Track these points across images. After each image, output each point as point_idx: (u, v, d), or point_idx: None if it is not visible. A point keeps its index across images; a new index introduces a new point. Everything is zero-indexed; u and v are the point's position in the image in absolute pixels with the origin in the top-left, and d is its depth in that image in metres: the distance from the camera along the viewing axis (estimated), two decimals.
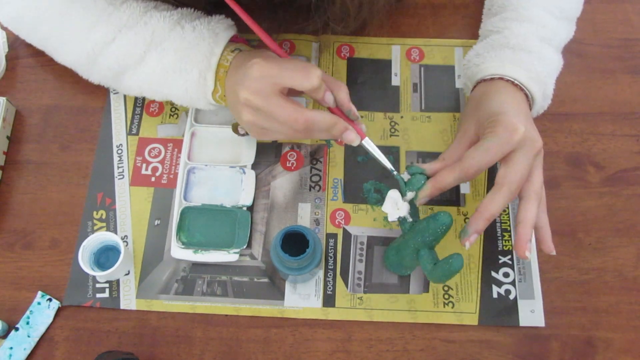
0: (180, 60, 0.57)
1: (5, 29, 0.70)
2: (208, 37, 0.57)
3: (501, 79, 0.57)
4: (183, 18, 0.58)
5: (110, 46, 0.58)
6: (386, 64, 0.70)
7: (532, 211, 0.51)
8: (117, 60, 0.58)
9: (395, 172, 0.55)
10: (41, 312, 0.58)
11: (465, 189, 0.64)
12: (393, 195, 0.54)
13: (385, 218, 0.62)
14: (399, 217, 0.54)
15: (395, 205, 0.54)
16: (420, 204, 0.54)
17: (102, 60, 0.59)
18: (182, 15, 0.58)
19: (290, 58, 0.54)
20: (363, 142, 0.55)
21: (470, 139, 0.55)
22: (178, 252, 0.61)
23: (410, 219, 0.54)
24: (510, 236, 0.62)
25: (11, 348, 0.57)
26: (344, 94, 0.54)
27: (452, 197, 0.63)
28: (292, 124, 0.51)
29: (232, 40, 0.59)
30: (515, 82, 0.57)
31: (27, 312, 0.58)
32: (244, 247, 0.61)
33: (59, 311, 0.59)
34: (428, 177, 0.54)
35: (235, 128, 0.66)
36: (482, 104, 0.56)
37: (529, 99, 0.57)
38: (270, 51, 0.56)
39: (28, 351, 0.57)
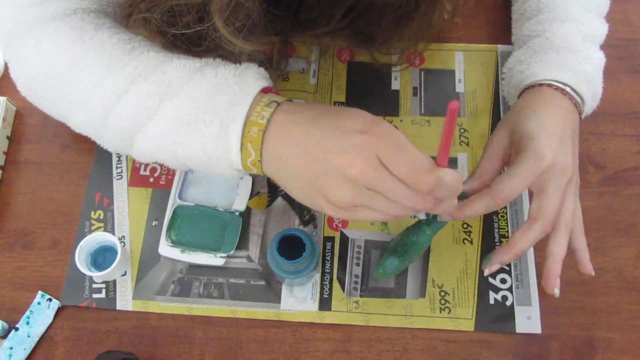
0: (197, 110, 0.45)
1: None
2: (233, 82, 0.46)
3: (549, 86, 0.54)
4: (207, 65, 0.48)
5: (121, 100, 0.48)
6: (386, 68, 0.70)
7: (561, 245, 0.51)
8: (128, 116, 0.48)
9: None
10: (41, 312, 0.58)
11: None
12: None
13: (383, 222, 0.62)
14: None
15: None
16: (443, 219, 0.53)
17: (112, 119, 0.49)
18: (206, 63, 0.48)
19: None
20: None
21: (503, 153, 0.53)
22: (166, 249, 0.61)
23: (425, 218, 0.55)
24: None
25: (11, 348, 0.57)
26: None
27: None
28: (415, 202, 0.41)
29: (264, 91, 0.47)
30: (563, 87, 0.54)
31: (27, 312, 0.58)
32: (232, 252, 0.61)
33: (59, 311, 0.59)
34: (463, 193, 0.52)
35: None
36: (521, 119, 0.52)
37: (577, 105, 0.55)
38: (318, 104, 0.47)
39: (28, 351, 0.57)
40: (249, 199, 0.63)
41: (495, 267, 0.51)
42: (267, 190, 0.63)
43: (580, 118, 0.56)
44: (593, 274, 0.53)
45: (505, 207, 0.63)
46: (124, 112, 0.48)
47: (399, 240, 0.55)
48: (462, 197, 0.53)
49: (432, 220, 0.54)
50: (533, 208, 0.50)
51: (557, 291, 0.51)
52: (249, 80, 0.46)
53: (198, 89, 0.46)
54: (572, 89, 0.55)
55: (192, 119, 0.46)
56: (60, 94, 0.52)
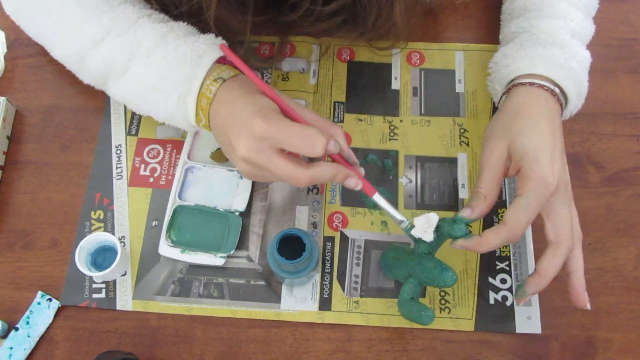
0: (161, 79, 0.55)
1: (5, 28, 0.71)
2: (190, 58, 0.55)
3: (540, 87, 0.54)
4: (171, 32, 0.56)
5: (98, 47, 0.57)
6: (386, 68, 0.70)
7: (580, 259, 0.52)
8: (103, 63, 0.57)
9: (406, 226, 0.54)
10: (41, 312, 0.58)
11: (464, 194, 0.63)
12: (432, 219, 0.53)
13: (384, 222, 0.62)
14: (419, 238, 0.53)
15: (424, 228, 0.53)
16: (455, 247, 0.52)
17: (89, 61, 0.58)
18: (171, 29, 0.57)
19: (297, 115, 0.52)
20: (374, 197, 0.53)
21: (503, 168, 0.52)
22: (165, 249, 0.61)
23: (427, 243, 0.54)
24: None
25: (11, 348, 0.57)
26: (342, 140, 0.52)
27: (450, 202, 0.63)
28: (294, 182, 0.50)
29: (219, 61, 0.56)
30: (553, 88, 0.54)
31: (27, 312, 0.58)
32: (232, 252, 0.61)
33: (59, 311, 0.59)
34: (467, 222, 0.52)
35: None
36: (519, 134, 0.52)
37: (560, 101, 0.54)
38: (259, 90, 0.52)
39: (28, 351, 0.57)
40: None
41: (529, 298, 0.53)
42: None
43: (561, 116, 0.55)
44: (588, 307, 0.52)
45: (505, 208, 0.63)
46: (99, 58, 0.57)
47: (419, 278, 0.54)
48: (440, 237, 0.53)
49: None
50: (550, 233, 0.51)
51: (589, 305, 0.52)
52: (203, 54, 0.55)
53: (161, 60, 0.55)
54: (556, 85, 0.54)
55: (157, 86, 0.55)
56: (45, 28, 0.61)
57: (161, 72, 0.55)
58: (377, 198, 0.53)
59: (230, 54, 0.53)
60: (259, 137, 0.48)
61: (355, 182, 0.52)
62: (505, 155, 0.52)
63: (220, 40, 0.57)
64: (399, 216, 0.54)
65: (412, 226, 0.53)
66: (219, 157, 0.65)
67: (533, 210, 0.49)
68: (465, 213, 0.52)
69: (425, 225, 0.52)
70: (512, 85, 0.56)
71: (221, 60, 0.56)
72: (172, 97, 0.55)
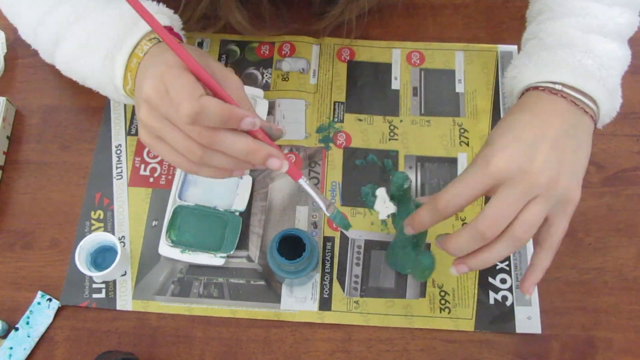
0: (94, 36, 0.51)
1: (5, 28, 0.71)
2: (129, 17, 0.50)
3: (536, 88, 0.49)
4: None
5: (45, 18, 0.55)
6: (386, 68, 0.70)
7: (495, 252, 0.45)
8: (49, 34, 0.55)
9: (333, 212, 0.50)
10: (41, 312, 0.58)
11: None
12: (380, 193, 0.52)
13: (384, 221, 0.62)
14: (389, 215, 0.53)
15: (384, 204, 0.52)
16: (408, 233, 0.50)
17: (41, 31, 0.56)
18: None
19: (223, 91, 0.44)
20: (300, 181, 0.48)
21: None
22: (166, 249, 0.61)
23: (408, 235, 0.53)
24: None
25: (11, 348, 0.57)
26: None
27: None
28: (185, 151, 0.43)
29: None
30: (552, 86, 0.48)
31: (27, 312, 0.58)
32: (232, 252, 0.61)
33: (59, 311, 0.59)
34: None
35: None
36: (497, 126, 0.48)
37: (579, 104, 0.48)
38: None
39: (28, 351, 0.57)
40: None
41: (532, 290, 0.48)
42: None
43: (595, 120, 0.50)
44: (527, 296, 0.48)
45: None
46: (46, 30, 0.55)
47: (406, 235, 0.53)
48: (403, 202, 0.53)
49: (415, 202, 0.53)
50: (541, 236, 0.46)
51: (527, 296, 0.48)
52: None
53: (101, 17, 0.52)
54: (566, 85, 0.48)
55: (90, 43, 0.52)
56: (9, 2, 0.60)
57: (96, 29, 0.52)
58: (303, 182, 0.48)
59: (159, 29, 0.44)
60: (160, 79, 0.42)
61: (279, 163, 0.44)
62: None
63: (167, 11, 0.54)
64: (323, 202, 0.49)
65: (338, 212, 0.50)
66: None
67: (464, 186, 0.44)
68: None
69: (382, 203, 0.52)
70: (521, 94, 0.52)
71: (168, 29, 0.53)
72: (99, 55, 0.51)
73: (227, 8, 0.55)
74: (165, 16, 0.53)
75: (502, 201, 0.44)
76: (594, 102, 0.49)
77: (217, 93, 0.44)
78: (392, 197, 0.52)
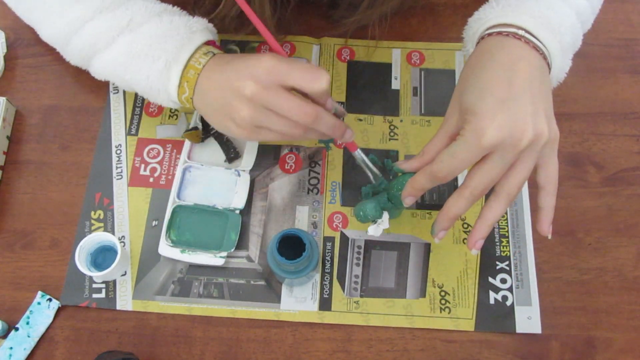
0: (149, 47, 0.55)
1: (5, 28, 0.71)
2: (184, 32, 0.55)
3: (499, 33, 0.50)
4: (165, 12, 0.57)
5: (85, 26, 0.57)
6: (386, 68, 0.70)
7: (494, 210, 0.48)
8: (89, 41, 0.58)
9: (379, 182, 0.57)
10: (41, 312, 0.58)
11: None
12: (385, 219, 0.55)
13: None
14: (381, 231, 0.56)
15: (378, 226, 0.55)
16: (408, 205, 0.53)
17: (76, 40, 0.58)
18: (165, 9, 0.58)
19: (294, 58, 0.53)
20: (355, 153, 0.55)
21: (452, 131, 0.50)
22: (166, 249, 0.61)
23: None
24: (508, 242, 0.62)
25: (11, 348, 0.57)
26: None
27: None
28: (300, 116, 0.48)
29: (208, 44, 0.57)
30: (515, 31, 0.49)
31: (27, 312, 0.58)
32: (232, 250, 0.61)
33: (59, 311, 0.59)
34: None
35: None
36: (466, 86, 0.49)
37: (541, 52, 0.49)
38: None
39: (28, 351, 0.57)
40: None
41: (442, 234, 0.51)
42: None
43: (550, 70, 0.51)
44: (549, 236, 0.50)
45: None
46: (85, 37, 0.58)
47: (387, 193, 0.55)
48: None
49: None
50: (541, 177, 0.49)
51: (474, 251, 0.50)
52: (197, 32, 0.56)
53: (154, 30, 0.56)
54: (528, 32, 0.49)
55: (144, 53, 0.55)
56: (33, 6, 0.61)
57: (151, 41, 0.55)
58: (358, 153, 0.56)
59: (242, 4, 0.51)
60: (267, 71, 0.48)
61: (350, 134, 0.53)
62: (454, 119, 0.49)
63: (211, 26, 0.59)
64: (375, 173, 0.57)
65: (384, 181, 0.57)
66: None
67: (459, 159, 0.46)
68: (399, 164, 0.54)
69: (377, 226, 0.56)
70: (480, 39, 0.53)
71: (212, 44, 0.57)
72: (158, 64, 0.54)
73: (260, 7, 0.58)
74: (211, 33, 0.58)
75: (495, 166, 0.46)
76: (549, 54, 0.51)
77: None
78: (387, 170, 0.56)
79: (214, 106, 0.53)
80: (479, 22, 0.54)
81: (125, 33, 0.56)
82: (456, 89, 0.51)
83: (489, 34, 0.51)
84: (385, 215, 0.55)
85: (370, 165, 0.56)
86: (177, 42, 0.54)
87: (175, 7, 0.59)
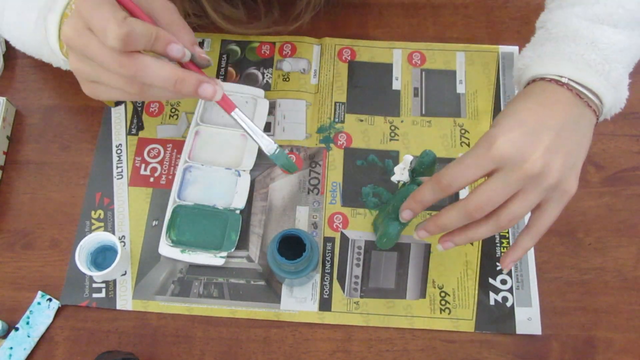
0: (26, 1, 0.51)
1: None
2: None
3: (543, 79, 0.49)
4: None
5: None
6: (387, 68, 0.70)
7: (479, 231, 0.47)
8: None
9: (274, 150, 0.48)
10: (41, 312, 0.58)
11: (464, 194, 0.63)
12: (407, 158, 0.54)
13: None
14: (399, 181, 0.54)
15: (401, 171, 0.54)
16: (405, 219, 0.51)
17: None
18: None
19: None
20: (233, 114, 0.46)
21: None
22: (166, 249, 0.61)
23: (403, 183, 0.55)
24: (508, 243, 0.62)
25: (11, 348, 0.57)
26: (188, 37, 0.43)
27: (451, 202, 0.63)
28: (113, 66, 0.40)
29: None
30: (559, 78, 0.48)
31: (27, 312, 0.58)
32: (232, 250, 0.61)
33: (59, 311, 0.59)
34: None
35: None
36: (501, 112, 0.48)
37: (583, 98, 0.48)
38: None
39: (28, 351, 0.57)
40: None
41: (422, 234, 0.49)
42: None
43: (598, 114, 0.49)
44: (504, 270, 0.49)
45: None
46: None
47: (392, 206, 0.54)
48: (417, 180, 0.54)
49: (416, 179, 0.54)
50: (530, 221, 0.48)
51: (440, 247, 0.49)
52: None
53: None
54: (571, 80, 0.48)
55: (24, 7, 0.52)
56: None
57: None
58: (236, 114, 0.46)
59: None
60: (79, 14, 0.41)
61: (212, 90, 0.43)
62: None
63: None
64: (262, 141, 0.47)
65: (282, 151, 0.48)
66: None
67: (466, 167, 0.45)
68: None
69: (402, 167, 0.54)
70: (527, 84, 0.52)
71: None
72: (31, 17, 0.50)
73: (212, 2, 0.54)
74: None
75: (496, 186, 0.44)
76: (597, 96, 0.49)
77: (141, 17, 0.42)
78: (414, 171, 0.53)
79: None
80: (520, 72, 0.53)
81: None
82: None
83: (534, 80, 0.50)
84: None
85: (260, 132, 0.47)
86: None
87: None
